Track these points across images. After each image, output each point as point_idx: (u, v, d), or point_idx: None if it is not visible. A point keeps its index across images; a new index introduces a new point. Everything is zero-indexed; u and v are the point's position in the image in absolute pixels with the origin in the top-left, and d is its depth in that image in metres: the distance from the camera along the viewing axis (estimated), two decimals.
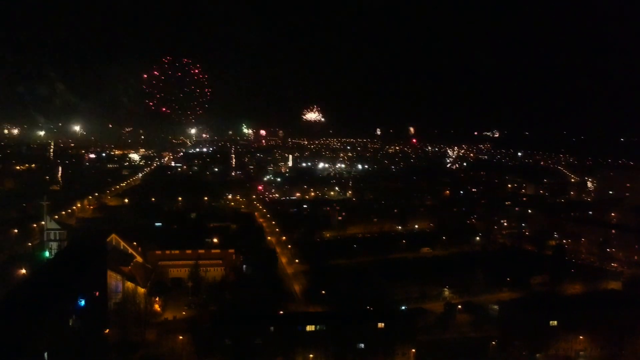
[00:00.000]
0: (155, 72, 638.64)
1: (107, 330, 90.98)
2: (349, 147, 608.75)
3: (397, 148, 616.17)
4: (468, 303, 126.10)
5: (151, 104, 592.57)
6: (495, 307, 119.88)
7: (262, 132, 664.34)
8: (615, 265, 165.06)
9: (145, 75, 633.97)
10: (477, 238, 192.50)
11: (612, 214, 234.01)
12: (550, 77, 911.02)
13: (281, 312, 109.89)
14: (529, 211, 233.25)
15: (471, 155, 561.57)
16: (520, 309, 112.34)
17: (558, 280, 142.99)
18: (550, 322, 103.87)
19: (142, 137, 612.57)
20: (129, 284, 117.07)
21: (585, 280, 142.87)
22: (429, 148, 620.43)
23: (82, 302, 71.06)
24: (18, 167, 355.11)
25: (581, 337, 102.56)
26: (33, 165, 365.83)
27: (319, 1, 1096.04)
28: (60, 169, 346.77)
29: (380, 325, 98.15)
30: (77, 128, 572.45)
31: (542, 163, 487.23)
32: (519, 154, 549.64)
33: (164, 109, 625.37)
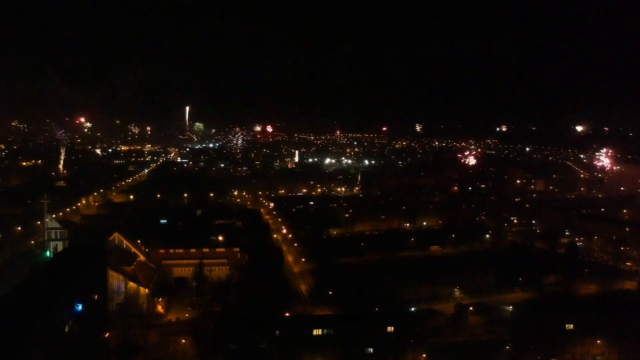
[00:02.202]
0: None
1: (107, 334, 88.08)
2: (355, 143, 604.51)
3: (404, 143, 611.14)
4: (479, 304, 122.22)
5: None
6: (508, 308, 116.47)
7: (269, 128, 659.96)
8: (630, 264, 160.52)
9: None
10: (487, 236, 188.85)
11: (625, 211, 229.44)
12: (558, 71, 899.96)
13: (287, 314, 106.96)
14: (539, 208, 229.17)
15: (478, 150, 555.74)
16: (533, 311, 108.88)
17: (571, 280, 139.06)
18: (566, 325, 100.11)
19: (149, 132, 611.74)
20: (132, 285, 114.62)
21: (600, 280, 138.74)
22: (436, 143, 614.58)
23: (79, 307, 68.21)
24: (24, 163, 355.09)
25: (598, 341, 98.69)
26: (39, 161, 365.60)
27: None
28: (66, 165, 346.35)
29: (390, 328, 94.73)
30: (83, 124, 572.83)
31: (550, 158, 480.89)
32: (527, 149, 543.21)
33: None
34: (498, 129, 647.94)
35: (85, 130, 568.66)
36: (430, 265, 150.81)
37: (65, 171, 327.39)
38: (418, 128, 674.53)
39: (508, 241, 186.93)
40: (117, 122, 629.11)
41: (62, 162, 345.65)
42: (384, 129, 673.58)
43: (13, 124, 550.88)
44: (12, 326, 54.33)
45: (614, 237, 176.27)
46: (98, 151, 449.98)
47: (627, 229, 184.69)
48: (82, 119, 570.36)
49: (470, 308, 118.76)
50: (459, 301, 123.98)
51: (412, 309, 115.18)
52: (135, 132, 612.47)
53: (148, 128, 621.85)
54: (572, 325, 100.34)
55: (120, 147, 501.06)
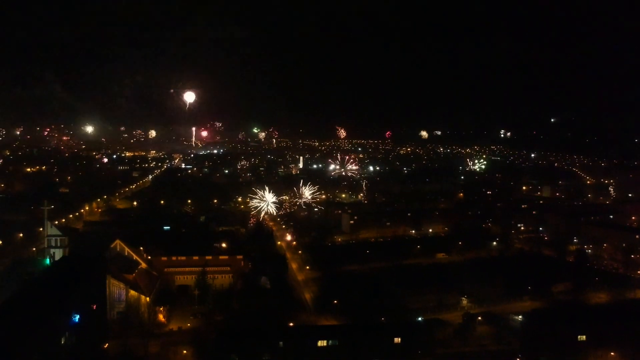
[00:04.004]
0: None
1: (107, 344, 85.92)
2: (360, 149, 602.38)
3: (409, 149, 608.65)
4: (488, 313, 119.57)
5: None
6: (517, 317, 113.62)
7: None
8: None
9: None
10: (494, 243, 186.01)
11: (633, 218, 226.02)
12: (563, 76, 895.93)
13: (291, 324, 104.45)
14: (547, 214, 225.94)
15: (484, 156, 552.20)
16: (544, 321, 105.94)
17: (582, 288, 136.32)
18: (578, 335, 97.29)
19: (153, 138, 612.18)
20: (133, 293, 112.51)
21: (611, 289, 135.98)
22: (441, 149, 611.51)
23: (77, 318, 66.05)
24: (28, 169, 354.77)
25: (612, 352, 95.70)
26: (44, 167, 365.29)
27: (329, 2, 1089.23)
28: (70, 171, 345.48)
29: (397, 339, 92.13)
30: (88, 129, 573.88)
31: (556, 164, 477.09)
32: (532, 155, 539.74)
33: None
34: (503, 134, 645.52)
35: (90, 136, 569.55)
36: (437, 273, 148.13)
37: (69, 177, 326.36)
38: (423, 134, 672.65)
39: (516, 248, 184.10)
40: (122, 127, 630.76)
41: (66, 168, 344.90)
42: (388, 134, 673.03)
43: (17, 131, 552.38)
44: (4, 339, 52.16)
45: (624, 244, 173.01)
46: (102, 157, 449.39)
47: (637, 236, 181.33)
48: (86, 125, 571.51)
49: (479, 317, 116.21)
50: (466, 310, 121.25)
51: (419, 319, 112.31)
52: (139, 138, 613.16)
53: (152, 133, 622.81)
54: (584, 336, 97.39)
55: (125, 153, 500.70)
